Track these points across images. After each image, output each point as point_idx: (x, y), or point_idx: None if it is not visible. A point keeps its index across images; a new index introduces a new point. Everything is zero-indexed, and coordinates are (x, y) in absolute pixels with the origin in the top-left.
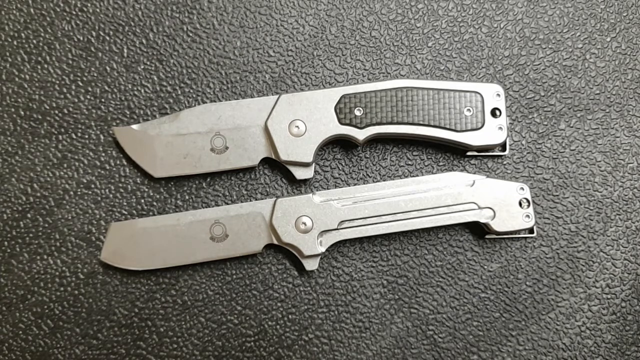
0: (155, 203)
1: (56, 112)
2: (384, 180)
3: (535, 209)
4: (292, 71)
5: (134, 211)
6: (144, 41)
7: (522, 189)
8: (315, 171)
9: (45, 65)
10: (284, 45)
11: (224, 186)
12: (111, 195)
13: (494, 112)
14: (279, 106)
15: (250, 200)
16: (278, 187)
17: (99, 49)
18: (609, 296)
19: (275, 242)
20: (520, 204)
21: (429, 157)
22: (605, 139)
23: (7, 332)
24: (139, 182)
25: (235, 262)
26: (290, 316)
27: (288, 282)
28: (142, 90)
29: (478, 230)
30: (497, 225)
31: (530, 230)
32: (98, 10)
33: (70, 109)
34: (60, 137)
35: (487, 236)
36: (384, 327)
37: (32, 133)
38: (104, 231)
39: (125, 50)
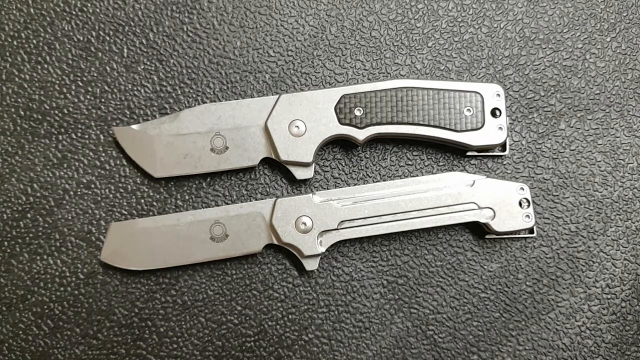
0: (155, 203)
1: (56, 112)
2: (384, 180)
3: (535, 209)
4: (292, 71)
5: (134, 211)
6: (144, 41)
7: (522, 189)
8: (315, 171)
9: (45, 65)
10: (284, 45)
11: (224, 186)
12: (111, 195)
13: (494, 112)
14: (279, 106)
15: (250, 200)
16: (278, 187)
17: (99, 49)
18: (609, 296)
19: (275, 242)
20: (520, 204)
21: (429, 157)
22: (605, 139)
23: (7, 332)
24: (139, 182)
25: (235, 262)
26: (290, 316)
27: (288, 282)
28: (142, 90)
29: (478, 230)
30: (497, 225)
31: (530, 230)
32: (98, 10)
33: (70, 109)
34: (60, 137)
35: (487, 236)
36: (384, 327)
37: (32, 133)
38: (104, 231)
39: (125, 50)
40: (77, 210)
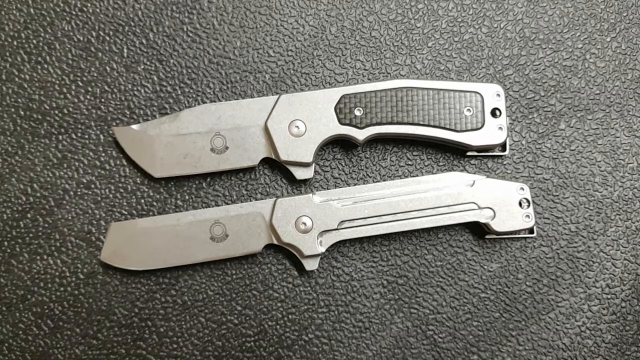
0: (155, 203)
1: (56, 112)
2: (384, 180)
3: (535, 209)
4: (292, 71)
5: (134, 211)
6: (144, 41)
7: (522, 189)
8: (315, 171)
9: (45, 65)
10: (284, 45)
11: (224, 186)
12: (111, 195)
13: (494, 112)
14: (279, 106)
15: (250, 200)
16: (278, 187)
17: (99, 49)
18: (609, 296)
19: (275, 242)
20: (520, 204)
21: (429, 157)
22: (605, 139)
23: (7, 332)
24: (139, 182)
25: (235, 262)
26: (290, 316)
27: (288, 282)
28: (142, 90)
29: (478, 230)
30: (497, 225)
31: (530, 230)
32: (98, 10)
33: (70, 109)
34: (60, 137)
35: (487, 236)
36: (384, 327)
37: (32, 133)
38: (104, 231)
39: (125, 50)
40: (77, 210)
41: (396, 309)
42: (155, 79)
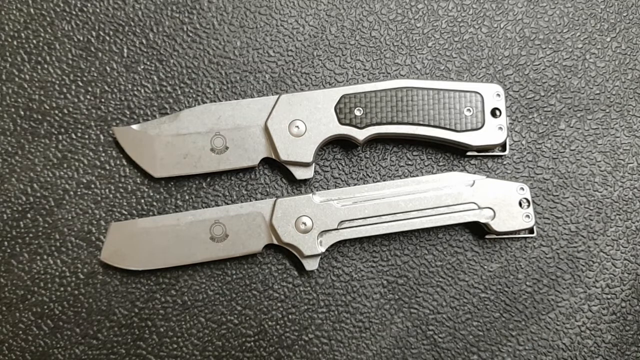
0: (155, 203)
1: (56, 112)
2: (384, 180)
3: (535, 209)
4: (292, 71)
5: (134, 211)
6: (144, 41)
7: (522, 189)
8: (315, 171)
9: (45, 65)
10: (284, 45)
11: (224, 186)
12: (111, 195)
13: (494, 112)
14: (279, 106)
15: (250, 200)
16: (278, 187)
17: (99, 49)
18: (609, 296)
19: (275, 242)
20: (520, 204)
21: (429, 157)
22: (605, 139)
23: (7, 332)
24: (139, 182)
25: (235, 262)
26: (290, 316)
27: (288, 282)
28: (142, 90)
29: (478, 230)
30: (497, 225)
31: (530, 230)
32: (98, 10)
33: (70, 109)
34: (60, 137)
35: (487, 236)
36: (384, 327)
37: (32, 133)
38: (104, 231)
39: (125, 50)
40: (77, 210)
41: (396, 309)
42: (155, 79)
